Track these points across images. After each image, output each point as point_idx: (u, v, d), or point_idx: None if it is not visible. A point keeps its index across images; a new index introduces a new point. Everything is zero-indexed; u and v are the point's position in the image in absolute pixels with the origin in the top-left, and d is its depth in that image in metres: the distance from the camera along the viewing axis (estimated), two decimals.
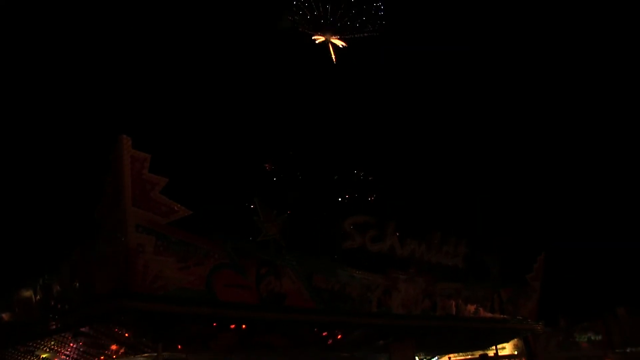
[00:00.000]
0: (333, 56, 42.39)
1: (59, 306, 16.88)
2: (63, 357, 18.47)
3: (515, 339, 29.65)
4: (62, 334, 16.95)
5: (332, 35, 42.56)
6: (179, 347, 17.22)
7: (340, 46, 42.53)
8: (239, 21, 39.80)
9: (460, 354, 29.42)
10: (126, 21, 36.81)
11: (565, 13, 43.54)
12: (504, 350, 30.11)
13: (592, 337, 33.11)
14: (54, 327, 16.62)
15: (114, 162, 14.83)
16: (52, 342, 17.77)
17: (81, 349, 17.75)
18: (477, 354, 28.04)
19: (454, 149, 41.17)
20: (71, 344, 17.53)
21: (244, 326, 16.74)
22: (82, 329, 16.17)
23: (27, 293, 19.03)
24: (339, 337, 19.67)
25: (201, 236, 15.98)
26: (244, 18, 39.85)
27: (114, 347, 17.16)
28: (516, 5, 45.34)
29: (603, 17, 41.76)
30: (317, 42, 42.80)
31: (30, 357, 19.14)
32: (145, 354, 17.33)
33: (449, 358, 29.70)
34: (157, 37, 37.48)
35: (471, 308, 23.75)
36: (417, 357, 23.88)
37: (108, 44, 36.16)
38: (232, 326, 16.61)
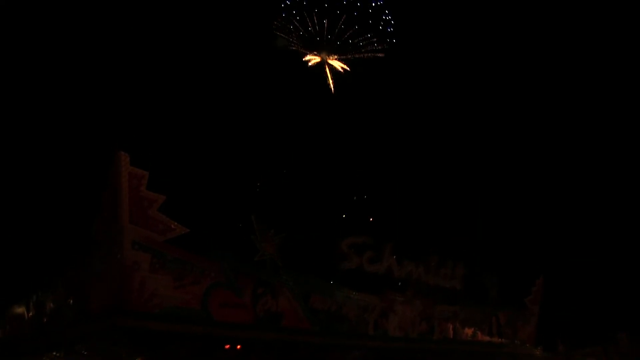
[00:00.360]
0: (330, 82, 37.01)
1: (52, 323, 16.72)
2: None
3: None
4: (55, 352, 16.74)
5: (329, 55, 36.86)
6: None
7: (340, 69, 37.53)
8: (233, 34, 38.45)
9: None
10: (127, 37, 36.92)
11: (564, 18, 42.75)
12: None
13: None
14: (45, 344, 16.44)
15: (111, 178, 14.82)
16: None
17: None
18: None
19: (453, 171, 41.06)
20: None
21: (239, 346, 16.56)
22: (76, 347, 15.99)
23: (20, 309, 18.86)
24: (335, 359, 19.45)
25: (198, 255, 15.92)
26: (238, 30, 38.25)
27: None
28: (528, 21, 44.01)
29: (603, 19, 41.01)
30: (311, 63, 37.10)
31: None
32: None
33: None
34: (153, 55, 37.49)
35: (469, 331, 23.56)
36: None
37: (106, 60, 36.25)
38: (227, 346, 16.43)
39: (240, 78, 37.74)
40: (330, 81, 37.51)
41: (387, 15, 36.85)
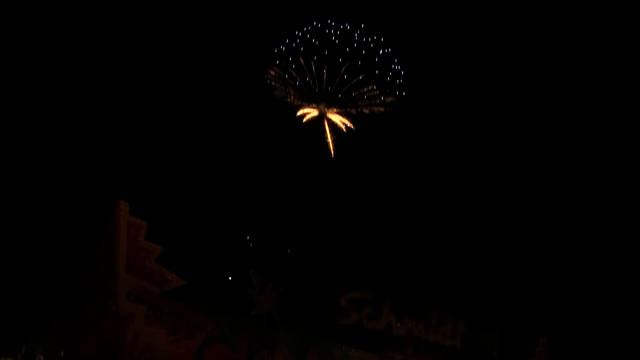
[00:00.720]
0: (330, 140, 33.84)
1: None
2: None
3: None
4: None
5: (329, 108, 33.80)
6: None
7: (342, 126, 34.61)
8: (228, 84, 37.28)
9: None
10: (126, 86, 37.19)
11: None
12: None
13: None
14: None
15: (109, 227, 14.74)
16: None
17: None
18: None
19: (455, 228, 40.74)
20: None
21: None
22: None
23: None
24: None
25: (194, 308, 15.74)
26: (233, 80, 36.73)
27: None
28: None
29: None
30: (308, 117, 34.18)
31: None
32: None
33: None
34: (152, 106, 37.65)
35: None
36: None
37: (108, 108, 36.45)
38: None
39: (239, 128, 37.86)
40: (329, 137, 35.54)
41: (396, 64, 34.23)
